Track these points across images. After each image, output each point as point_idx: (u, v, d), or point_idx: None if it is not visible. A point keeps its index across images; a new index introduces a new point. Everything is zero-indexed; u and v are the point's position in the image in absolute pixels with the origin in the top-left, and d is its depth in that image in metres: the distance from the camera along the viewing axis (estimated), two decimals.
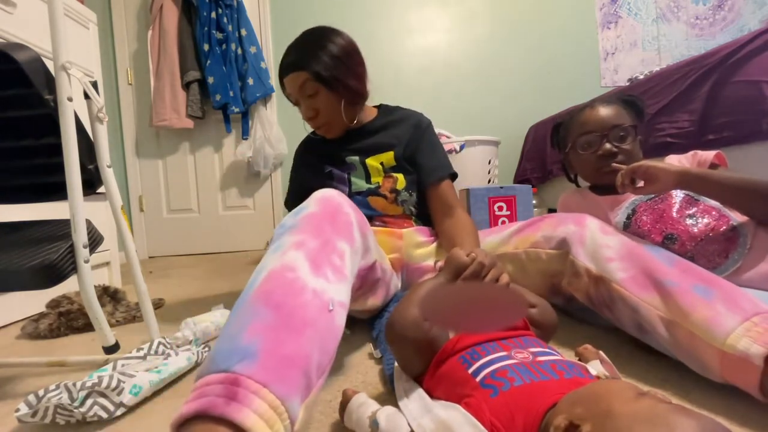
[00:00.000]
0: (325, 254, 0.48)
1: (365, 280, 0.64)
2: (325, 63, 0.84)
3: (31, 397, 0.53)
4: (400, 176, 0.92)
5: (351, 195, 0.91)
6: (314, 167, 0.96)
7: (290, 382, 0.35)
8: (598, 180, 0.90)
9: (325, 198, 0.56)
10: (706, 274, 0.58)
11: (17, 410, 0.52)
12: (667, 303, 0.56)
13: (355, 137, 0.94)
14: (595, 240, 0.68)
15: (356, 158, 0.93)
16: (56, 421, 0.53)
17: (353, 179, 0.93)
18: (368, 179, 0.92)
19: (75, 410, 0.52)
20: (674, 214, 0.76)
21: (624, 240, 0.67)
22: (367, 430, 0.42)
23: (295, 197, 1.00)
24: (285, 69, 0.87)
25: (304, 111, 0.89)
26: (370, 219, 0.89)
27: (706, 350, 0.51)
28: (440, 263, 0.59)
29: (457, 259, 0.55)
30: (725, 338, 0.49)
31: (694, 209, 0.75)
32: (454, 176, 0.95)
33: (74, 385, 0.53)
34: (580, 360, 0.57)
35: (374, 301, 0.74)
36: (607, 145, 0.83)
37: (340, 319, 0.45)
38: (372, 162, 0.92)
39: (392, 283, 0.82)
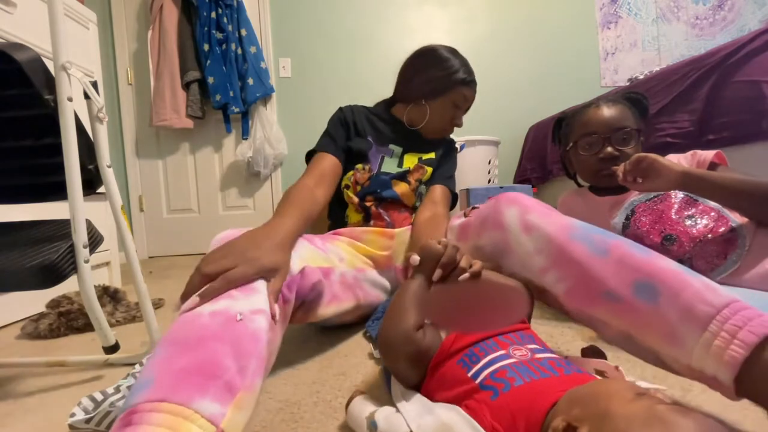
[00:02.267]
0: None
1: (302, 288, 0.61)
2: None
3: (87, 401, 0.50)
4: (430, 170, 1.00)
5: (378, 173, 0.95)
6: (360, 132, 0.99)
7: (193, 388, 0.36)
8: (597, 182, 0.89)
9: (221, 238, 0.57)
10: (643, 260, 0.48)
11: (72, 415, 0.49)
12: (617, 317, 0.49)
13: (406, 132, 1.01)
14: (521, 244, 0.59)
15: (399, 148, 1.00)
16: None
17: (385, 162, 0.98)
18: (400, 165, 0.99)
19: None
20: (673, 215, 0.76)
21: (549, 232, 0.56)
22: (365, 431, 0.43)
23: (325, 145, 0.93)
24: (475, 84, 1.03)
25: (457, 119, 1.03)
26: (379, 199, 0.95)
27: (675, 366, 0.45)
28: (413, 257, 0.55)
29: (430, 249, 0.54)
30: (689, 360, 0.42)
31: (693, 210, 0.75)
32: (454, 197, 1.04)
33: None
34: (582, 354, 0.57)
35: (340, 305, 0.73)
36: (609, 149, 0.82)
37: (257, 324, 0.45)
38: (411, 157, 1.00)
39: (367, 282, 0.82)
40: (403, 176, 0.96)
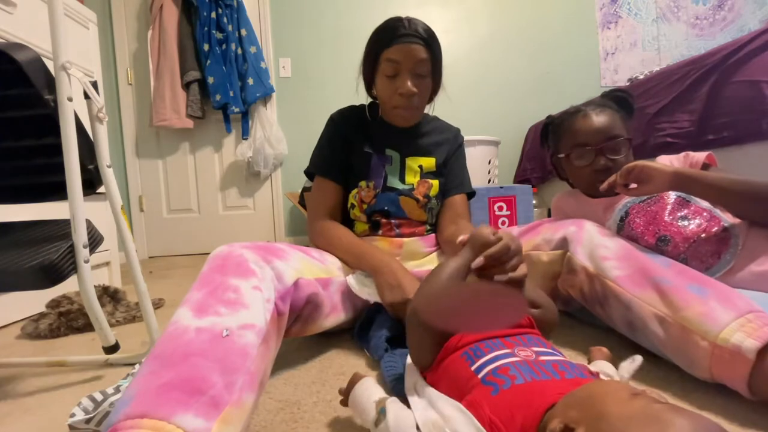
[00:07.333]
0: (214, 297, 0.49)
1: (297, 300, 0.62)
2: (440, 55, 0.87)
3: (86, 401, 0.50)
4: (436, 182, 0.92)
5: (384, 189, 0.89)
6: (353, 143, 0.91)
7: (175, 403, 0.36)
8: (593, 193, 0.88)
9: (214, 255, 0.57)
10: (701, 276, 0.59)
11: (72, 415, 0.49)
12: (661, 300, 0.58)
13: (400, 133, 0.93)
14: (593, 240, 0.70)
15: (396, 154, 0.92)
16: None
17: (388, 173, 0.91)
18: (402, 178, 0.91)
19: None
20: (667, 216, 0.76)
21: (622, 243, 0.69)
22: (372, 416, 0.42)
23: (325, 168, 0.91)
24: (413, 37, 0.80)
25: (408, 85, 0.82)
26: (387, 216, 0.89)
27: (698, 344, 0.52)
28: (463, 237, 0.56)
29: (482, 236, 0.53)
30: (719, 332, 0.50)
31: (686, 211, 0.75)
32: (471, 195, 1.00)
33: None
34: (589, 358, 0.57)
35: (339, 317, 0.74)
36: (602, 161, 0.82)
37: (246, 339, 0.45)
38: (411, 163, 0.92)
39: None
40: (409, 194, 0.90)
